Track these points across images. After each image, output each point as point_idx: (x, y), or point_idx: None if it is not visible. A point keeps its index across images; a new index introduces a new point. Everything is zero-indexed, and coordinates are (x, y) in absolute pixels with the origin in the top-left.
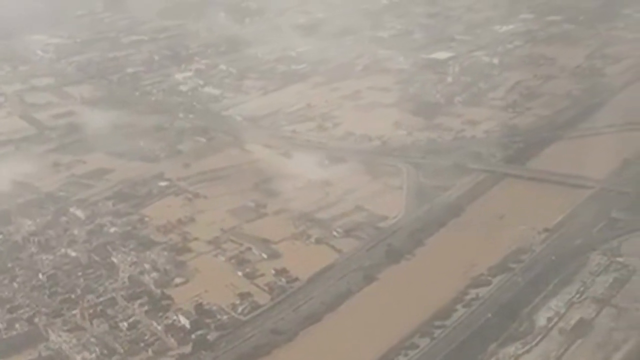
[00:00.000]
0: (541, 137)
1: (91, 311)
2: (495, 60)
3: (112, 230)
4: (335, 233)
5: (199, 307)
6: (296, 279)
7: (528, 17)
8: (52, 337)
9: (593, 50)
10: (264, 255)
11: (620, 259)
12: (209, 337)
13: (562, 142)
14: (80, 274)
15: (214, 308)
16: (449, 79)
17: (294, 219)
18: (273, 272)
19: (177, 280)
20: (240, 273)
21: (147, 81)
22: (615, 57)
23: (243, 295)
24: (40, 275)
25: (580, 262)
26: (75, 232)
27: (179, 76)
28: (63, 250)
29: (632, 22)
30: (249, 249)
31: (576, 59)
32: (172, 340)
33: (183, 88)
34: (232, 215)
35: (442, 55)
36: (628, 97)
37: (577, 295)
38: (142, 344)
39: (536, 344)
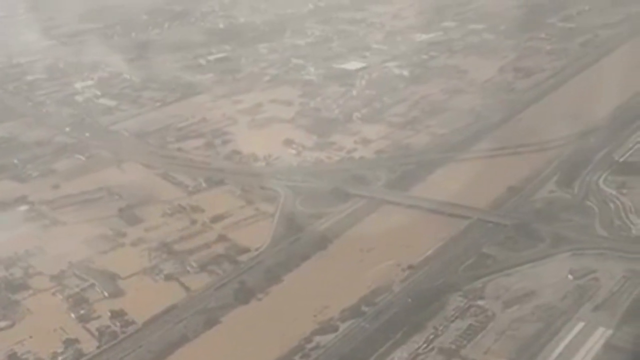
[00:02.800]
0: (431, 160)
1: None
2: (406, 73)
3: None
4: (189, 268)
5: (12, 357)
6: (132, 323)
7: (450, 26)
8: None
9: (507, 63)
10: (105, 294)
11: (481, 303)
12: None
13: (451, 165)
14: None
15: (31, 358)
16: (354, 92)
17: (151, 251)
18: (109, 314)
19: (2, 324)
20: (73, 315)
21: (45, 90)
22: (527, 71)
23: (69, 342)
24: None
25: (438, 305)
26: None
27: (79, 85)
28: None
29: (554, 32)
30: (92, 285)
31: (488, 72)
32: None
33: (79, 99)
34: (86, 246)
35: (353, 65)
36: (529, 115)
37: (425, 345)
38: None
39: None
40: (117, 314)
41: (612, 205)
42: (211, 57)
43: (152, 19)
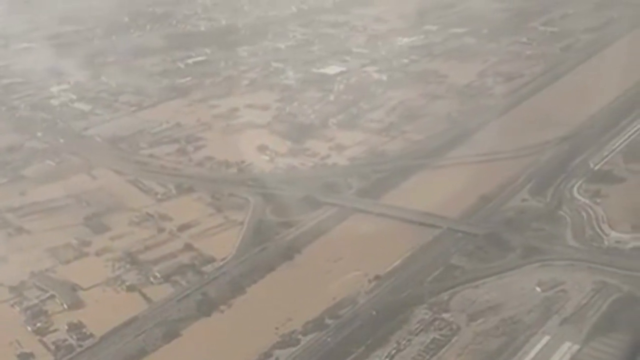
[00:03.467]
0: (405, 167)
1: None
2: (385, 77)
3: None
4: (152, 279)
5: None
6: (90, 336)
7: (431, 29)
8: None
9: (487, 67)
10: (65, 306)
11: (446, 316)
12: None
13: (425, 173)
14: None
15: None
16: (331, 97)
17: (115, 261)
18: (66, 327)
19: None
20: (30, 328)
21: (20, 94)
22: (507, 75)
23: (23, 357)
24: None
25: (403, 318)
26: None
27: (55, 89)
28: None
29: (535, 36)
30: (52, 297)
31: (468, 77)
32: None
33: (54, 103)
34: (49, 255)
35: (332, 70)
36: (506, 121)
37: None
38: None
39: None
40: (75, 327)
41: (584, 214)
42: (190, 61)
43: (134, 22)
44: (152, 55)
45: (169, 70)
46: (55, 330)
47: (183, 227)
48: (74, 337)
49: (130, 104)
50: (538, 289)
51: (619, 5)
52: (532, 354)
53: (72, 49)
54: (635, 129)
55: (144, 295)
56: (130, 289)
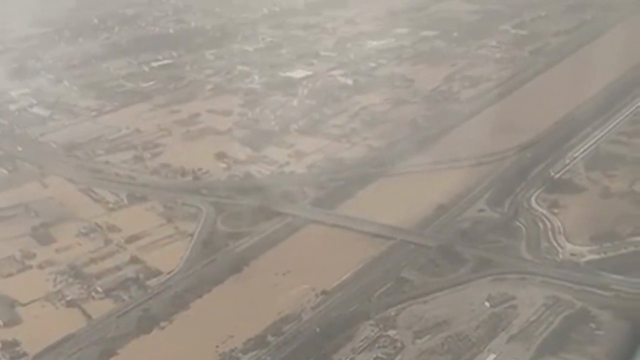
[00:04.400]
0: (363, 175)
1: None
2: (350, 81)
3: None
4: (94, 293)
5: None
6: (23, 355)
7: (402, 32)
8: None
9: (455, 71)
10: (1, 322)
11: (391, 333)
12: None
13: (383, 181)
14: None
15: None
16: (295, 102)
17: (58, 274)
18: (0, 345)
19: None
20: None
21: None
22: (474, 80)
23: None
24: None
25: (347, 335)
26: None
27: (14, 93)
28: None
29: (505, 39)
30: None
31: (434, 81)
32: None
33: (12, 107)
34: None
35: (299, 73)
36: (470, 127)
37: None
38: None
39: None
40: (9, 345)
41: (541, 225)
42: (156, 64)
43: (103, 23)
44: (118, 58)
45: (133, 74)
46: None
47: (131, 239)
48: (7, 356)
49: (91, 108)
50: (487, 304)
51: (591, 7)
52: None
53: (37, 51)
54: (600, 135)
55: (83, 311)
56: (71, 304)
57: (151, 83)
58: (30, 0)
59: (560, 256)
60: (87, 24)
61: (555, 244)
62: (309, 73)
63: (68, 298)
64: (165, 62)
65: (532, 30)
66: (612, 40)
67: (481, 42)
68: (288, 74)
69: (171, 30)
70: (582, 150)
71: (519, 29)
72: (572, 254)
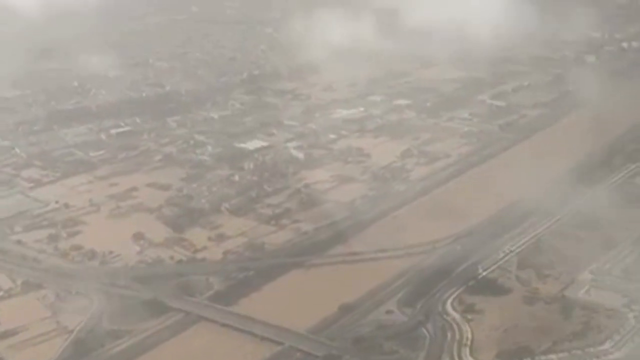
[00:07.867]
0: (277, 265)
1: None
2: (301, 155)
3: None
4: None
5: None
6: None
7: (375, 100)
8: None
9: (415, 146)
10: None
11: None
12: None
13: (296, 273)
14: None
15: None
16: (236, 177)
17: None
18: None
19: None
20: None
21: None
22: (432, 156)
23: None
24: None
25: None
26: None
27: None
28: None
29: (479, 111)
30: None
31: (390, 157)
32: None
33: None
34: None
35: (254, 144)
36: (407, 212)
37: None
38: None
39: None
40: None
41: (449, 334)
42: (115, 131)
43: (81, 87)
44: (82, 123)
45: (87, 142)
46: None
47: (5, 335)
48: None
49: (31, 179)
50: None
51: (578, 77)
52: None
53: (3, 115)
54: (546, 226)
55: None
56: None
57: (101, 152)
58: (20, 62)
59: None
60: (65, 87)
61: (456, 358)
62: (264, 144)
63: None
64: (126, 129)
65: (510, 102)
66: (586, 114)
67: (453, 114)
68: (242, 145)
69: (144, 94)
70: (521, 242)
71: (497, 99)
72: None
